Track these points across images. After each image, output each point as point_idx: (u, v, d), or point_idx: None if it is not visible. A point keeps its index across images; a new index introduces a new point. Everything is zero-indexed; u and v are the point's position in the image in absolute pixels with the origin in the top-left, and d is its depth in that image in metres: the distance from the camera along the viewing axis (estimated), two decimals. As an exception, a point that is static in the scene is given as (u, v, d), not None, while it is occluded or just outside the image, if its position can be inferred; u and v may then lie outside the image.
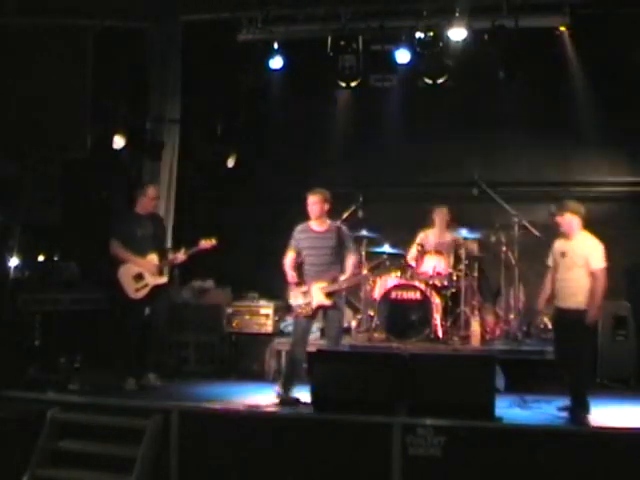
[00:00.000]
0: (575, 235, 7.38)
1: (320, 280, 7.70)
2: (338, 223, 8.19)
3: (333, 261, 7.78)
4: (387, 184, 10.83)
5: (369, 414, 6.64)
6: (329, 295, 7.66)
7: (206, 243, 8.48)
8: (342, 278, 7.74)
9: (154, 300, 8.43)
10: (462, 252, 9.46)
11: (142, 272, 8.32)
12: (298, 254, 7.91)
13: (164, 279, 8.48)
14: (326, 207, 7.83)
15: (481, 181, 9.86)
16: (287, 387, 7.71)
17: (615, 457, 6.20)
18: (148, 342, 8.48)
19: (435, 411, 6.57)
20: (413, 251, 9.71)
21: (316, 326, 8.60)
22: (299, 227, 7.93)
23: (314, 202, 7.78)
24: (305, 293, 7.73)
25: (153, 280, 8.36)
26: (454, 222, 9.95)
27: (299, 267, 7.94)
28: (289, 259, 7.90)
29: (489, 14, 9.07)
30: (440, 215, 9.85)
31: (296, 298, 7.80)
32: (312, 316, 7.80)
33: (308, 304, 7.71)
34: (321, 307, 7.73)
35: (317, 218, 7.81)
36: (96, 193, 8.66)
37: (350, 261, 7.84)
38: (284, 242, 8.09)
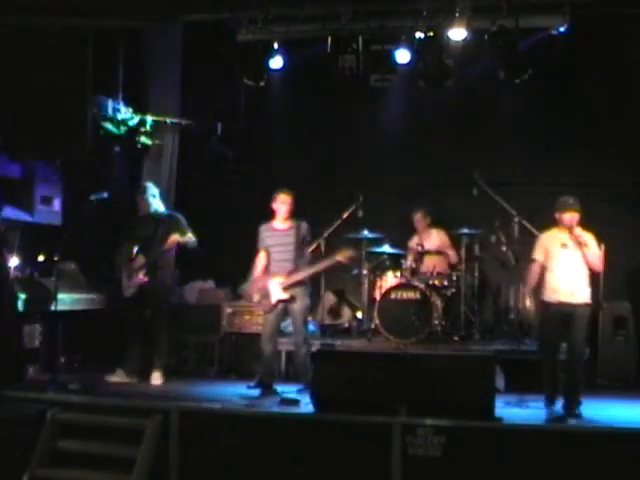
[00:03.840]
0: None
1: (279, 275, 7.93)
2: (297, 220, 8.22)
3: (294, 257, 7.99)
4: (387, 184, 10.83)
5: (369, 414, 6.63)
6: (286, 289, 7.86)
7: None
8: (298, 271, 7.93)
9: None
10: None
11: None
12: (268, 253, 8.13)
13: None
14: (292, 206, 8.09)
15: (481, 181, 9.86)
16: (266, 384, 7.95)
17: (615, 457, 6.19)
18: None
19: (435, 411, 6.56)
20: (410, 259, 9.74)
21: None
22: (263, 227, 8.17)
23: (285, 201, 8.03)
24: (261, 289, 7.98)
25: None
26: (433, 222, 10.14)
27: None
28: (263, 258, 8.14)
29: (489, 14, 9.08)
30: (416, 218, 9.90)
31: (255, 294, 8.06)
32: (270, 310, 7.98)
33: (266, 298, 7.93)
34: (281, 301, 7.92)
35: (285, 217, 8.06)
36: (96, 193, 8.66)
37: (307, 255, 8.12)
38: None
